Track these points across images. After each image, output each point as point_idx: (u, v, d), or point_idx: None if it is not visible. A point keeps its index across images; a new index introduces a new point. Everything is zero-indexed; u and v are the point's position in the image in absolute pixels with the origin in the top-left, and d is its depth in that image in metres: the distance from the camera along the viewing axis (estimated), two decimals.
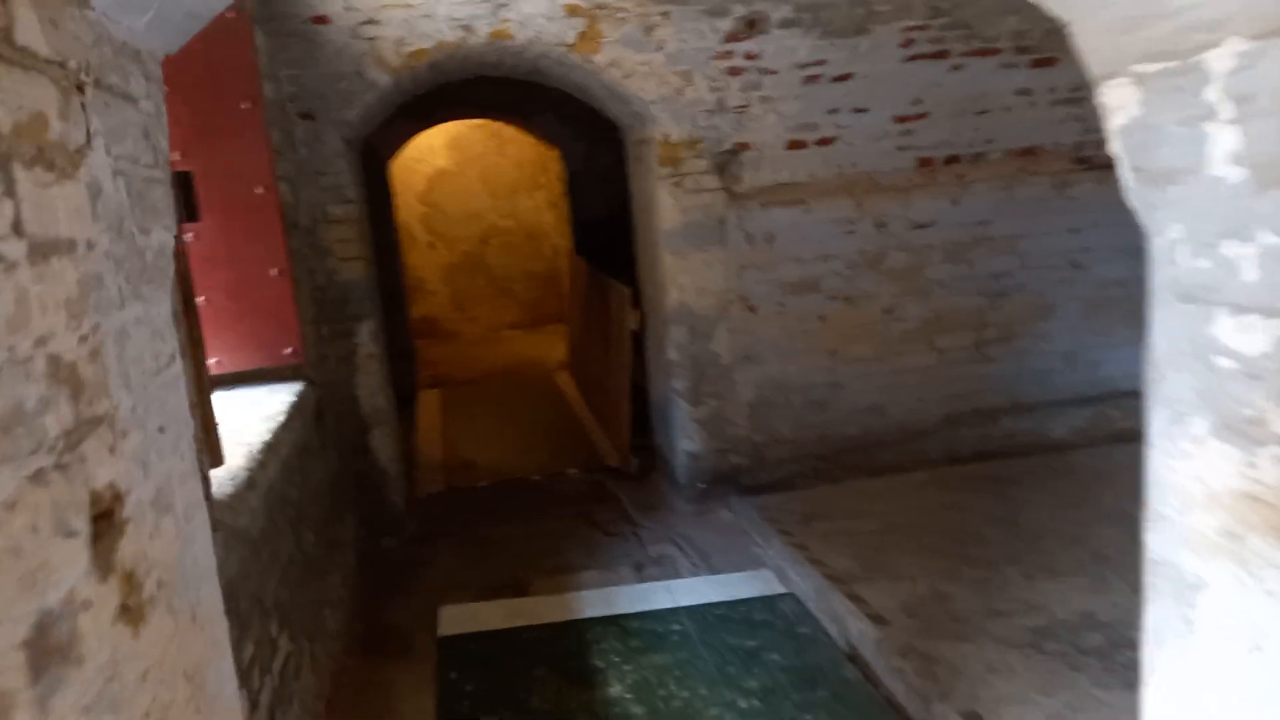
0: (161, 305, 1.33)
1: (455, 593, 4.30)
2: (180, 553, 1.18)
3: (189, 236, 3.47)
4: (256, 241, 3.57)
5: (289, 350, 3.68)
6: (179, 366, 1.37)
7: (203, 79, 3.42)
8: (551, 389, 8.16)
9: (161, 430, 1.17)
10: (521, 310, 11.47)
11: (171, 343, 1.35)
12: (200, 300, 3.50)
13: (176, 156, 3.41)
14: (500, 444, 6.69)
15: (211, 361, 3.58)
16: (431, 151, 10.90)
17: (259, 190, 3.54)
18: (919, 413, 5.39)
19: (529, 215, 11.34)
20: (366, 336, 4.81)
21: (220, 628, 1.37)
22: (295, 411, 3.39)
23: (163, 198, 1.35)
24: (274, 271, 3.61)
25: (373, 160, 8.01)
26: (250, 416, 3.23)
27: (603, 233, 8.54)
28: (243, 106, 3.47)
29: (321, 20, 3.88)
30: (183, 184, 3.50)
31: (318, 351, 4.13)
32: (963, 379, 5.40)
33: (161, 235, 1.33)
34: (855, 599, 3.82)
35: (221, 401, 3.43)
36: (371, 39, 4.05)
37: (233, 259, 3.55)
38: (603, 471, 5.89)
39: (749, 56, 4.56)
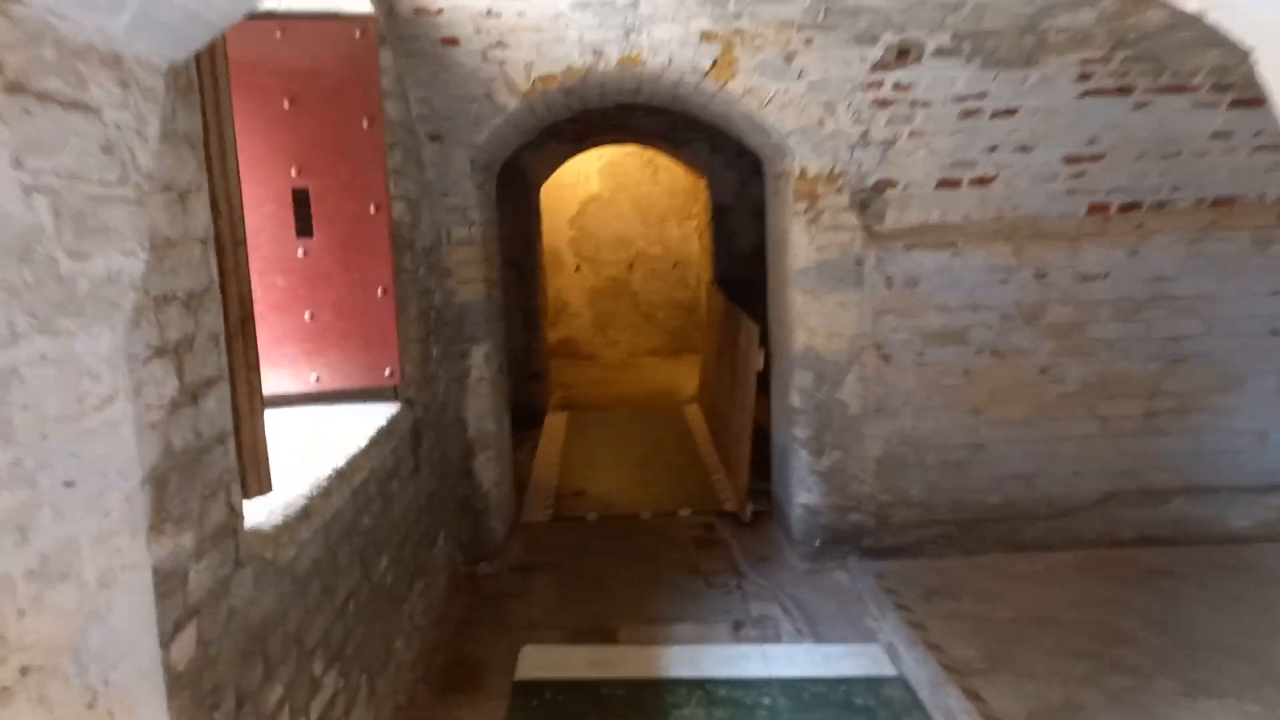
0: (100, 340, 1.18)
1: (541, 631, 4.12)
2: (81, 628, 1.02)
3: (301, 252, 3.47)
4: (365, 260, 3.52)
5: (388, 371, 3.62)
6: (121, 409, 1.22)
7: (326, 96, 3.41)
8: (679, 421, 7.93)
9: (69, 485, 1.02)
10: (662, 337, 11.33)
11: (110, 383, 1.20)
12: (306, 316, 3.50)
13: (294, 173, 3.42)
14: (616, 474, 6.51)
15: (311, 378, 3.56)
16: (585, 176, 10.96)
17: (372, 209, 3.50)
18: (1073, 486, 4.81)
19: (677, 244, 11.21)
20: (480, 359, 4.74)
21: (154, 707, 1.20)
22: (382, 436, 3.30)
23: (125, 219, 1.20)
24: (380, 292, 3.55)
25: (519, 183, 8.07)
26: (336, 437, 3.15)
27: (750, 267, 8.26)
28: (363, 126, 3.45)
29: (452, 42, 3.84)
30: (299, 200, 3.51)
31: (425, 372, 4.06)
32: (1128, 452, 4.79)
33: (113, 261, 1.18)
34: (974, 697, 3.37)
35: (312, 420, 3.39)
36: (501, 62, 3.98)
37: (341, 276, 3.52)
38: (716, 515, 5.59)
39: (899, 87, 4.21)
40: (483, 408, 4.79)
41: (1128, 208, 4.60)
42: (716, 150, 8.31)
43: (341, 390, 3.64)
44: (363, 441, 3.10)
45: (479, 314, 4.72)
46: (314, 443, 3.06)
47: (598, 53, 4.00)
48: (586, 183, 11.02)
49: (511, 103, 4.16)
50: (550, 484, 6.29)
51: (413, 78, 3.97)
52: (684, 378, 9.72)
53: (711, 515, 5.59)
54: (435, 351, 4.34)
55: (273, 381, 3.52)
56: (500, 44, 3.88)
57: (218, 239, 1.98)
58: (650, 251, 11.23)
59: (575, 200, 11.05)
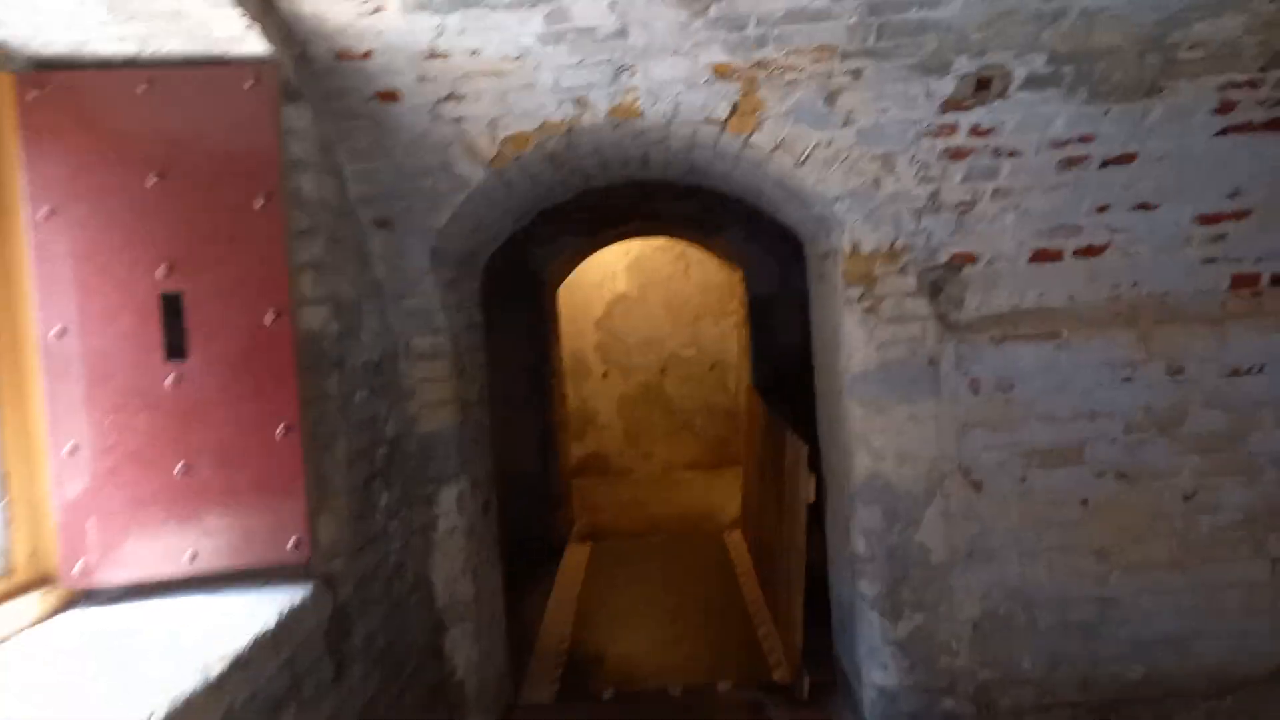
0: None
1: None
2: None
3: (171, 379, 2.51)
4: (261, 388, 2.56)
5: (293, 541, 2.60)
6: None
7: (207, 169, 2.52)
8: (719, 554, 6.76)
9: None
10: (701, 448, 10.23)
11: None
12: (178, 469, 2.51)
13: (162, 272, 2.50)
14: (643, 629, 5.34)
15: (185, 557, 2.55)
16: (611, 275, 10.11)
17: (269, 319, 2.54)
18: (1242, 652, 3.57)
19: (713, 343, 10.22)
20: (451, 504, 3.71)
21: None
22: (263, 645, 2.26)
23: None
24: (281, 430, 2.57)
25: (530, 282, 7.20)
26: (193, 653, 2.13)
27: (797, 367, 7.22)
28: (256, 205, 2.52)
29: (390, 97, 2.95)
30: (169, 309, 2.57)
31: (363, 532, 3.03)
32: None
33: None
34: None
35: (168, 624, 2.36)
36: (457, 120, 3.06)
37: (227, 412, 2.55)
38: (765, 689, 4.39)
39: (978, 131, 3.21)
40: (455, 567, 3.73)
41: None
42: (752, 237, 7.39)
43: (230, 573, 2.63)
44: (223, 664, 2.06)
45: (450, 445, 3.72)
46: (154, 664, 2.03)
47: (581, 102, 3.07)
48: (612, 281, 10.15)
49: (476, 174, 3.23)
50: (561, 646, 5.15)
51: (346, 146, 3.07)
52: (725, 496, 8.56)
53: (759, 689, 4.39)
54: (385, 500, 3.32)
55: (131, 562, 2.53)
56: (453, 96, 2.97)
57: None
58: (684, 354, 10.24)
59: (601, 301, 10.17)
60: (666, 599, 5.82)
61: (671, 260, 10.13)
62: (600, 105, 3.11)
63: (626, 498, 9.02)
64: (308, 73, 2.80)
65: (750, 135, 3.28)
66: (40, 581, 2.52)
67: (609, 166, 4.15)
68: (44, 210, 2.43)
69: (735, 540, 7.05)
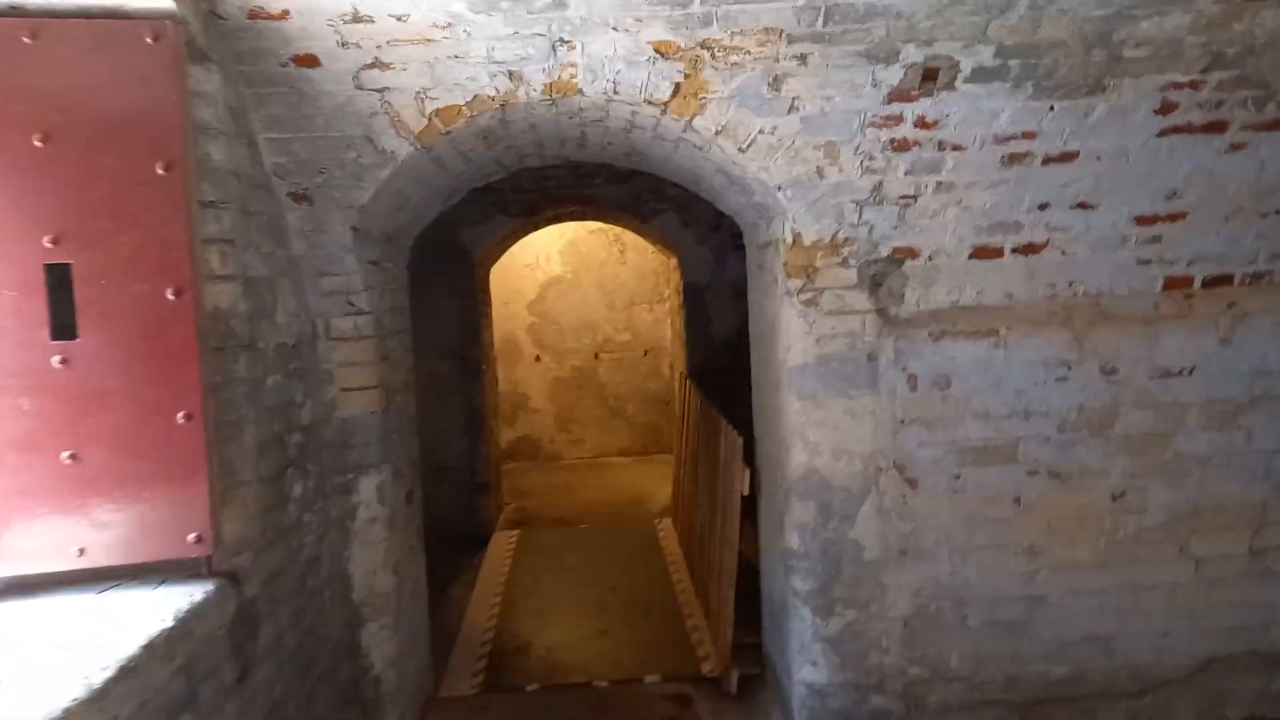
0: None
1: None
2: None
3: (58, 360, 2.29)
4: (160, 371, 2.36)
5: (194, 535, 2.41)
6: None
7: (100, 131, 2.30)
8: (650, 543, 6.68)
9: None
10: (633, 435, 10.13)
11: None
12: (65, 457, 2.30)
13: (48, 242, 2.27)
14: (571, 619, 5.23)
15: (73, 551, 2.35)
16: (546, 257, 9.92)
17: (170, 295, 2.34)
18: (1164, 651, 3.62)
19: (648, 329, 10.12)
20: (371, 493, 3.53)
21: None
22: (162, 648, 2.08)
23: None
24: (182, 417, 2.37)
25: (460, 262, 6.99)
26: (76, 658, 1.94)
27: (731, 356, 7.17)
28: (156, 173, 2.31)
29: (309, 61, 2.75)
30: (56, 283, 2.36)
31: (274, 524, 2.85)
32: (1234, 604, 3.62)
33: None
34: None
35: (49, 621, 2.16)
36: (382, 90, 2.88)
37: (122, 396, 2.35)
38: (693, 681, 4.33)
39: (924, 123, 3.15)
40: (375, 558, 3.56)
41: (1217, 281, 3.54)
42: (689, 224, 7.30)
43: (128, 567, 2.43)
44: (100, 675, 1.88)
45: (371, 432, 3.54)
46: (36, 670, 1.84)
47: (515, 76, 2.91)
48: (547, 263, 9.97)
49: (402, 148, 3.05)
50: (485, 637, 5.01)
51: (262, 114, 2.86)
52: (657, 484, 8.50)
53: (687, 682, 4.32)
54: (300, 490, 3.14)
55: (12, 556, 2.32)
56: (377, 64, 2.79)
57: None
58: (618, 339, 10.13)
59: (534, 283, 9.98)
60: (595, 589, 5.71)
61: (606, 244, 9.99)
62: (536, 80, 2.95)
63: (557, 483, 8.89)
64: (217, 32, 2.59)
65: (692, 118, 3.16)
66: None
67: (545, 145, 3.99)
68: None
69: (666, 528, 6.98)
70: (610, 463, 9.77)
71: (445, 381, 6.99)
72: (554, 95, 3.03)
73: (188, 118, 2.39)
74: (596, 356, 10.11)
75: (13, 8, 2.29)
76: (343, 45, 2.74)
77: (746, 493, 4.17)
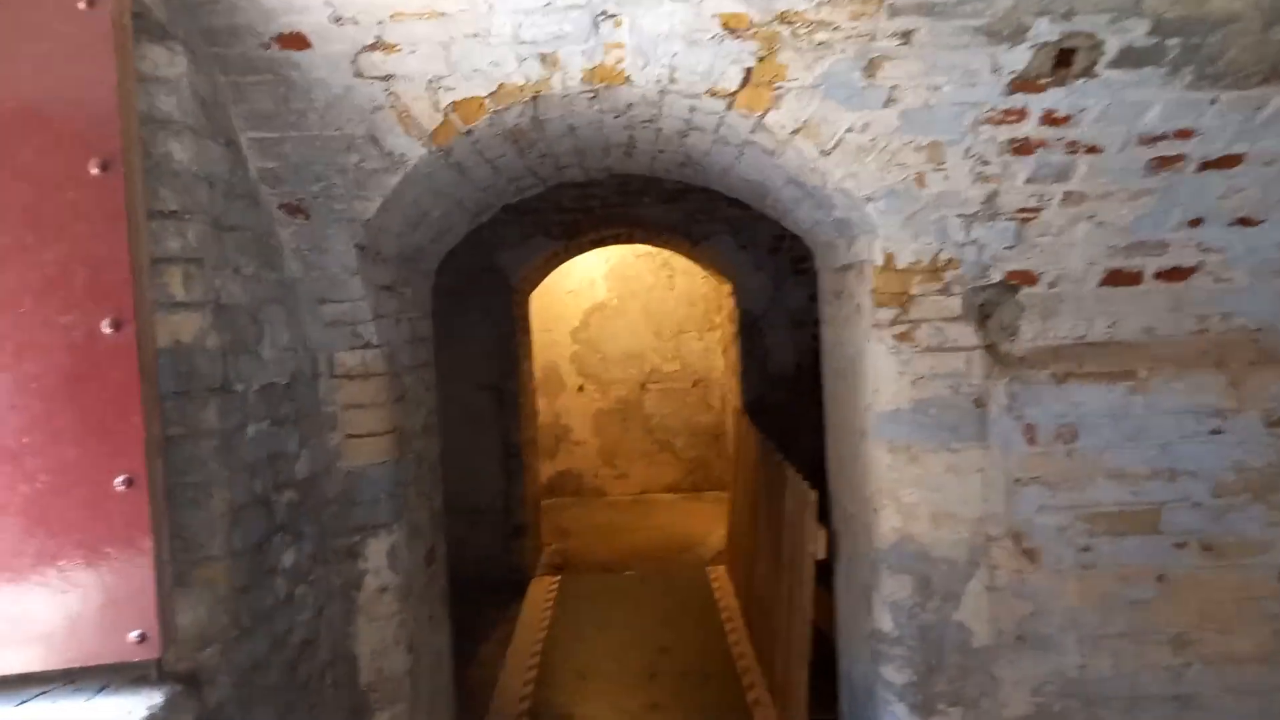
0: None
1: None
2: None
3: None
4: (91, 424, 1.84)
5: (136, 634, 1.88)
6: None
7: (14, 119, 1.80)
8: (702, 594, 6.07)
9: None
10: (681, 470, 9.53)
11: None
12: None
13: None
14: (617, 687, 4.65)
15: None
16: (590, 282, 9.41)
17: (106, 328, 1.83)
18: None
19: (697, 359, 9.54)
20: (381, 559, 3.00)
21: None
22: None
23: None
24: (119, 482, 1.85)
25: (498, 288, 6.50)
26: None
27: (790, 392, 6.59)
28: (91, 173, 1.81)
29: (296, 42, 2.24)
30: None
31: (249, 608, 2.32)
32: None
33: None
34: None
35: None
36: (386, 77, 2.37)
37: (41, 457, 1.83)
38: None
39: (1053, 119, 2.56)
40: (385, 635, 3.02)
41: None
42: (745, 247, 6.75)
43: (49, 674, 1.91)
44: None
45: (383, 485, 3.01)
46: None
47: (549, 60, 2.38)
48: (590, 289, 9.46)
49: (413, 150, 2.53)
50: (520, 706, 4.43)
51: (244, 108, 2.36)
52: (708, 524, 7.88)
53: None
54: (291, 559, 2.61)
55: None
56: (380, 45, 2.27)
57: None
58: (666, 368, 9.56)
59: (578, 309, 9.47)
60: (643, 650, 5.12)
61: (654, 269, 9.46)
62: (574, 65, 2.42)
63: (601, 522, 8.31)
64: (181, 4, 2.09)
65: (765, 114, 2.61)
66: None
67: (586, 154, 3.48)
68: None
69: (719, 577, 6.36)
70: (657, 500, 9.17)
71: (480, 415, 6.48)
72: (596, 84, 2.50)
73: (133, 106, 1.88)
74: (643, 387, 9.55)
75: None
76: (337, 21, 2.23)
77: (822, 557, 3.56)
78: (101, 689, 1.95)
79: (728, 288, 7.49)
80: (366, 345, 2.92)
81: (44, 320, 1.80)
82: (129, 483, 1.86)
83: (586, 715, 4.36)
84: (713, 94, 2.56)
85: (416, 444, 3.36)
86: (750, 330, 6.85)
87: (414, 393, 3.35)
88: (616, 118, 2.90)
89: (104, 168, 1.81)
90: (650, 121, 2.96)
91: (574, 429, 9.55)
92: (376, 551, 3.00)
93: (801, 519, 3.83)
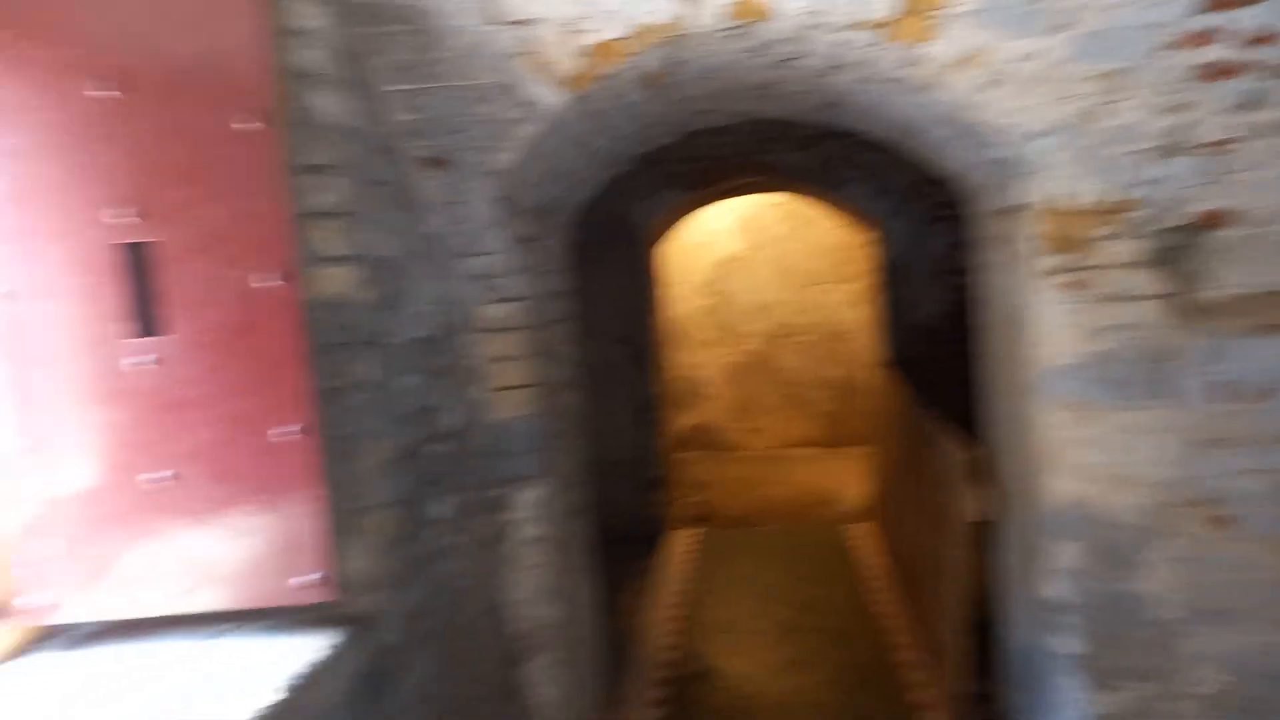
0: None
1: None
2: None
3: (136, 361, 1.86)
4: (257, 376, 1.89)
5: (308, 576, 1.93)
6: None
7: (178, 80, 1.83)
8: (842, 551, 5.94)
9: None
10: (816, 424, 9.33)
11: None
12: (154, 480, 1.87)
13: (120, 218, 1.83)
14: (759, 641, 4.61)
15: (169, 592, 1.93)
16: (720, 233, 9.25)
17: (265, 282, 1.86)
18: None
19: (831, 311, 9.28)
20: (529, 510, 3.02)
21: None
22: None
23: None
24: (285, 432, 1.89)
25: (628, 240, 6.45)
26: None
27: (932, 345, 6.30)
28: (237, 127, 1.82)
29: None
30: (132, 268, 1.91)
31: (405, 556, 2.36)
32: None
33: None
34: None
35: (143, 680, 1.73)
36: (521, 22, 2.30)
37: (214, 407, 1.89)
38: None
39: (1254, 39, 2.28)
40: (535, 585, 3.05)
41: None
42: (884, 193, 6.44)
43: (234, 612, 2.00)
44: None
45: (529, 438, 3.02)
46: None
47: None
48: (719, 240, 9.30)
49: (548, 98, 2.46)
50: (660, 658, 4.46)
51: (383, 60, 2.35)
52: (843, 480, 7.69)
53: None
54: (444, 510, 2.65)
55: (101, 596, 1.93)
56: None
57: None
58: (798, 320, 9.34)
59: (706, 262, 9.34)
60: (784, 605, 5.05)
61: (785, 218, 9.20)
62: (715, 1, 2.29)
63: (735, 476, 8.25)
64: None
65: (919, 45, 2.42)
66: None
67: (721, 97, 3.34)
68: None
69: (859, 535, 6.20)
70: (791, 454, 9.03)
71: (612, 369, 6.48)
72: (739, 21, 2.36)
73: (285, 63, 1.88)
74: (775, 340, 9.37)
75: None
76: None
77: (978, 520, 3.38)
78: (275, 629, 2.02)
79: (865, 237, 7.20)
80: (509, 299, 2.90)
81: (212, 276, 1.84)
82: (300, 432, 1.90)
83: (731, 668, 4.33)
84: (861, 26, 2.39)
85: (561, 397, 3.35)
86: (890, 280, 6.57)
87: (556, 346, 3.34)
88: (757, 57, 2.76)
89: (257, 123, 1.82)
90: (791, 60, 2.80)
91: (706, 383, 9.48)
92: (524, 503, 3.02)
93: (954, 479, 3.64)
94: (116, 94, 1.79)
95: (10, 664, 1.91)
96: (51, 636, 1.99)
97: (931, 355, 6.27)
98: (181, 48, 1.80)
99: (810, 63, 2.81)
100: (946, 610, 3.73)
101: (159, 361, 1.87)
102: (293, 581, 1.95)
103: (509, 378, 2.98)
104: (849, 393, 9.18)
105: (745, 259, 9.31)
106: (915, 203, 6.41)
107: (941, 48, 2.43)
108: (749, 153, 6.35)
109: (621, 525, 6.34)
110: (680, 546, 6.22)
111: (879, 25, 2.39)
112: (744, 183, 6.76)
